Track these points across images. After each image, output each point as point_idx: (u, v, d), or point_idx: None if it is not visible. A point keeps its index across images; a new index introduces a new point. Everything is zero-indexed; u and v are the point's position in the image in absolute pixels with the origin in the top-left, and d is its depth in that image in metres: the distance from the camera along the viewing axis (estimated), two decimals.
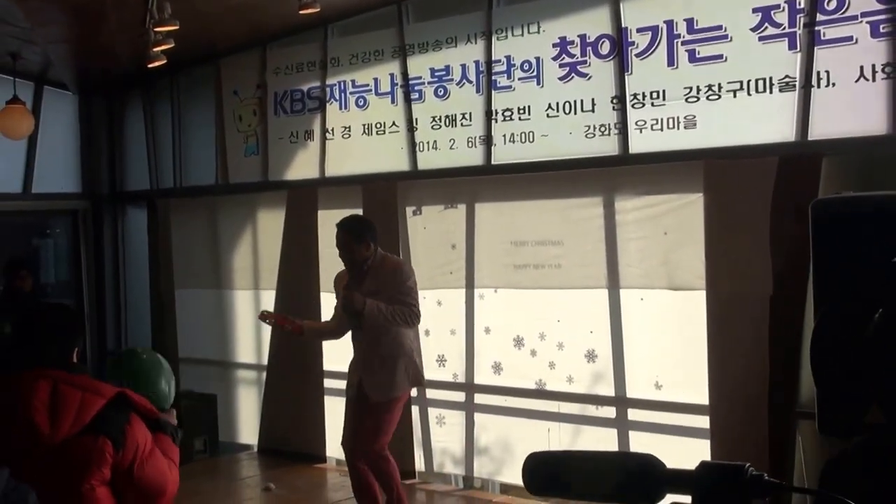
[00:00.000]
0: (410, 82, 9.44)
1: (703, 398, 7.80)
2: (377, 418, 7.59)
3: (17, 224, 12.73)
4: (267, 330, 10.78)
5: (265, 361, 10.93)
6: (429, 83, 9.33)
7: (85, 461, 3.86)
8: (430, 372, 9.14)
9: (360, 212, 9.28)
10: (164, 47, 8.78)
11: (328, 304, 8.21)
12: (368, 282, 7.37)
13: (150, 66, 9.36)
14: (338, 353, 9.01)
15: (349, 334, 7.82)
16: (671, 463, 1.99)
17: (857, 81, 7.01)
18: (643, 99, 8.03)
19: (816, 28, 7.18)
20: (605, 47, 8.23)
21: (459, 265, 9.25)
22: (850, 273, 5.89)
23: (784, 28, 7.33)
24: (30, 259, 12.10)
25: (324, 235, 9.87)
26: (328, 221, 8.32)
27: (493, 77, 8.88)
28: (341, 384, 8.49)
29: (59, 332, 4.12)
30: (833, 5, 7.11)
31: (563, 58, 8.47)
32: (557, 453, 2.23)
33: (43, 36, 10.34)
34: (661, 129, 7.94)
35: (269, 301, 10.79)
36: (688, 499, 1.94)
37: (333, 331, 7.99)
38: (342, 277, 7.67)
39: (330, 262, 7.87)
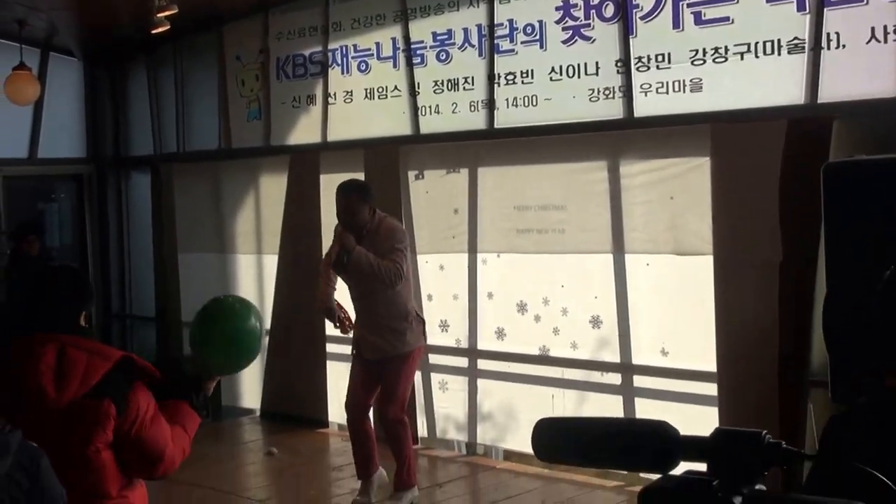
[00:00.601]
0: (412, 46, 9.29)
1: (710, 365, 7.63)
2: (387, 379, 7.55)
3: (22, 189, 12.70)
4: (270, 294, 10.79)
5: (268, 326, 10.71)
6: (431, 47, 9.18)
7: (90, 424, 3.85)
8: (433, 337, 9.05)
9: (361, 176, 9.16)
10: (167, 13, 8.69)
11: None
12: (365, 244, 7.31)
13: (153, 31, 9.26)
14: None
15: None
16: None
17: (867, 43, 6.79)
18: (648, 62, 7.84)
19: None
20: (609, 10, 8.03)
21: (462, 230, 9.13)
22: (863, 237, 5.75)
23: None
24: (36, 223, 12.06)
25: (326, 199, 9.76)
26: (330, 186, 8.26)
27: (496, 41, 8.71)
28: (344, 349, 8.52)
29: (67, 295, 4.07)
30: None
31: (567, 21, 8.28)
32: (568, 419, 2.10)
33: (48, 3, 10.31)
34: (667, 93, 7.75)
35: (271, 264, 10.74)
36: (703, 466, 1.82)
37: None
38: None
39: (332, 226, 7.74)
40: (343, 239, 7.31)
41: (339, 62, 9.90)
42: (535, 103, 8.51)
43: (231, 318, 4.44)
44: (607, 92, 8.07)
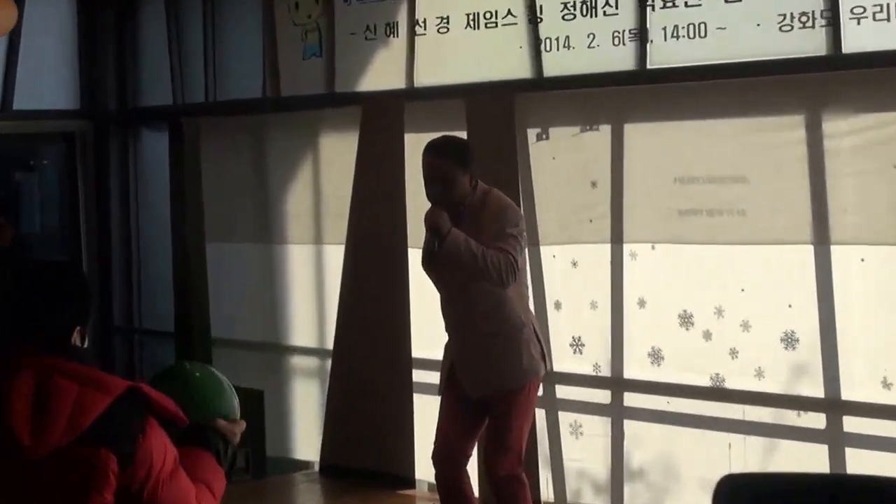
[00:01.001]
0: None
1: None
2: (496, 421, 7.74)
3: None
4: (332, 300, 10.87)
5: (330, 345, 10.96)
6: None
7: (82, 482, 3.79)
8: (562, 361, 9.31)
9: (462, 136, 9.21)
10: None
11: (418, 263, 8.21)
12: (464, 226, 7.45)
13: None
14: (432, 335, 9.05)
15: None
16: None
17: None
18: None
19: None
20: None
21: (602, 211, 9.25)
22: None
23: None
24: (9, 202, 12.25)
25: (413, 168, 9.55)
26: (418, 148, 8.22)
27: None
28: (436, 378, 8.51)
29: (53, 301, 4.04)
30: None
31: None
32: (764, 476, 2.30)
33: None
34: (888, 19, 7.86)
35: (335, 259, 10.86)
36: None
37: None
38: None
39: (421, 204, 7.92)
40: (434, 217, 7.45)
41: None
42: (703, 34, 8.63)
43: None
44: (804, 18, 8.18)
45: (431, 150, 7.74)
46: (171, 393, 4.14)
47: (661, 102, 9.07)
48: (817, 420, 8.52)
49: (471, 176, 7.64)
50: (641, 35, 8.97)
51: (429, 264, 7.71)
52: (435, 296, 8.10)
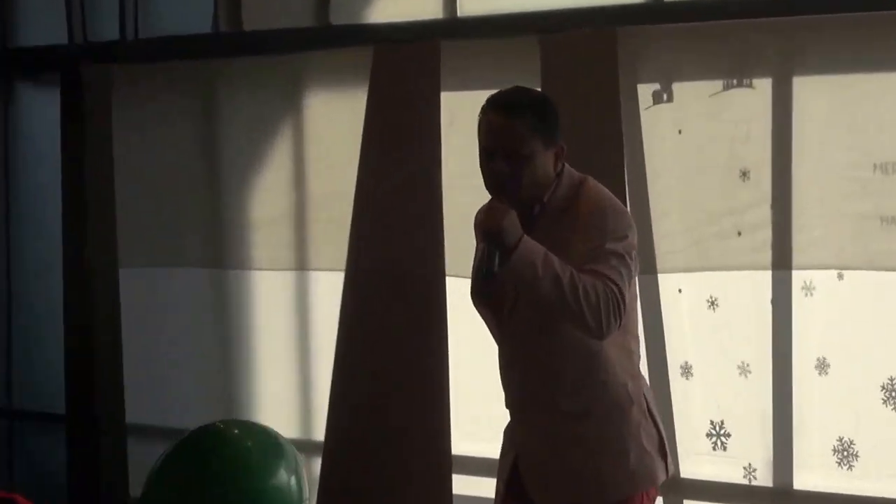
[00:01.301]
0: None
1: None
2: None
3: None
4: (325, 365, 10.93)
5: (321, 436, 11.06)
6: None
7: None
8: (694, 459, 9.56)
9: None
10: None
11: (463, 299, 8.13)
12: (539, 234, 7.14)
13: None
14: (483, 417, 9.40)
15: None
16: None
17: None
18: None
19: None
20: None
21: (758, 217, 9.36)
22: None
23: None
24: None
25: (455, 144, 9.96)
26: (467, 111, 8.10)
27: None
28: (491, 485, 8.44)
29: None
30: None
31: None
32: None
33: None
34: None
35: (329, 294, 11.00)
36: None
37: None
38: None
39: (469, 202, 7.66)
40: (495, 218, 6.99)
41: None
42: None
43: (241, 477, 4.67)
44: None
45: (498, 106, 7.18)
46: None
47: (850, 43, 9.10)
48: None
49: (556, 154, 7.31)
50: None
51: (483, 296, 7.54)
52: (490, 350, 7.89)
